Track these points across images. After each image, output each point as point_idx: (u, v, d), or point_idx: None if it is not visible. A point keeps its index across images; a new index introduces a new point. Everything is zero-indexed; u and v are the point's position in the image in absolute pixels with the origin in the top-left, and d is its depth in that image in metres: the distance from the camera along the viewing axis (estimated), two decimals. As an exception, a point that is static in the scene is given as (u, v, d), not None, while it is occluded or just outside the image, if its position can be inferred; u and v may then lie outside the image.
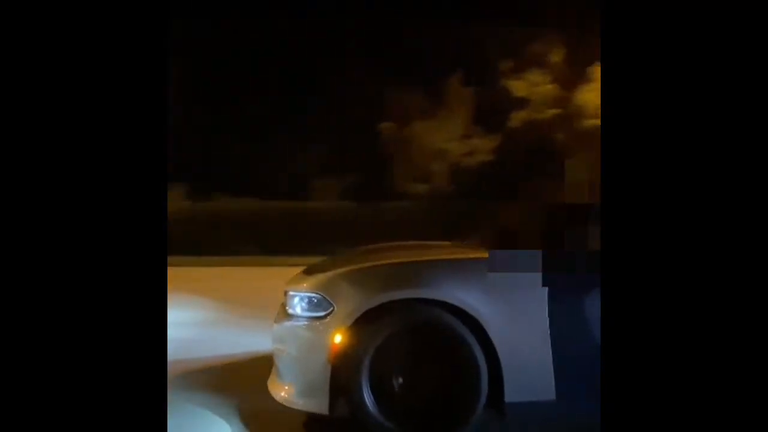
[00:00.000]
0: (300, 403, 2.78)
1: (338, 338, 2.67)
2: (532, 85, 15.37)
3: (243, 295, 7.13)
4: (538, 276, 2.65)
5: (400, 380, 2.70)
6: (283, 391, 2.87)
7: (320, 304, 2.77)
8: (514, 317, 2.65)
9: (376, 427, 2.63)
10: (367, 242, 3.90)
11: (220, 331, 5.28)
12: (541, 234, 3.04)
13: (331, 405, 2.68)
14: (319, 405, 2.69)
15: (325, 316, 2.75)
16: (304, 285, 2.90)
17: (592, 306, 2.61)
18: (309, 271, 3.11)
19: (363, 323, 2.67)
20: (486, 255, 2.77)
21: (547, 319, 2.65)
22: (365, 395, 2.64)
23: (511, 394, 2.62)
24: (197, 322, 5.69)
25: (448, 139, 15.84)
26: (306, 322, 2.81)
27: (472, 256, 2.91)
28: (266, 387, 3.02)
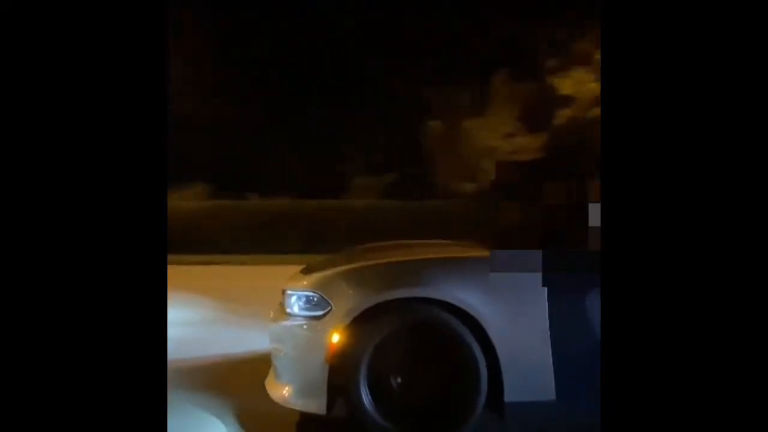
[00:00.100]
0: (297, 403, 2.76)
1: (336, 338, 2.65)
2: (578, 83, 15.27)
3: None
4: (537, 276, 2.63)
5: (399, 380, 2.68)
6: (280, 391, 2.85)
7: (318, 303, 2.76)
8: (513, 317, 2.64)
9: (374, 428, 2.62)
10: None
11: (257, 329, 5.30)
12: (542, 234, 3.02)
13: (329, 405, 2.67)
14: (317, 405, 2.67)
15: (322, 316, 2.73)
16: (302, 284, 2.88)
17: (592, 306, 2.60)
18: (307, 270, 3.10)
19: (361, 323, 2.65)
20: (484, 254, 2.75)
21: (547, 319, 2.63)
22: (363, 395, 2.62)
23: (510, 394, 2.60)
24: (242, 317, 5.76)
25: (494, 137, 15.71)
26: (303, 322, 2.79)
27: (471, 255, 2.90)
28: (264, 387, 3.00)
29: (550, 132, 15.29)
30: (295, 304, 2.84)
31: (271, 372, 3.05)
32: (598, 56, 15.14)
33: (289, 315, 2.86)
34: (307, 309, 2.79)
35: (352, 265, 2.89)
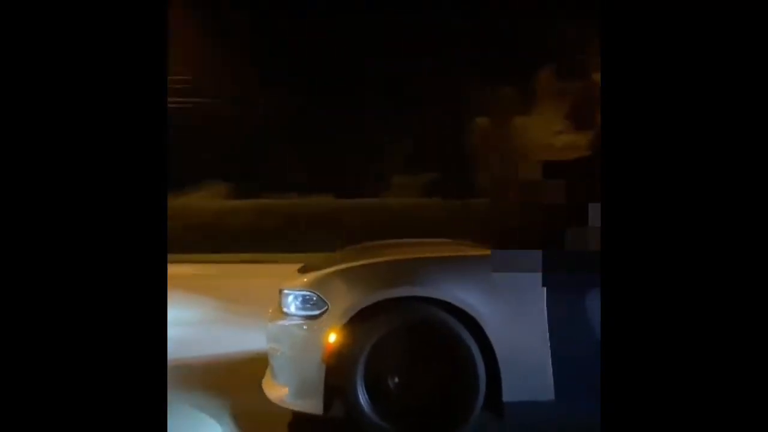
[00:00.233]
0: (294, 404, 2.74)
1: (332, 337, 2.63)
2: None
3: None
4: (536, 275, 2.61)
5: (396, 380, 2.66)
6: (277, 391, 2.83)
7: (314, 303, 2.74)
8: (512, 316, 2.62)
9: (372, 428, 2.60)
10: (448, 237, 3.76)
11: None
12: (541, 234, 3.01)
13: (326, 405, 2.65)
14: (313, 405, 2.65)
15: (319, 315, 2.71)
16: (298, 283, 2.86)
17: (592, 306, 2.58)
18: (304, 270, 3.07)
19: (358, 322, 2.63)
20: (483, 252, 2.73)
21: (546, 319, 2.61)
22: (360, 395, 2.60)
23: (508, 394, 2.58)
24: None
25: (541, 134, 15.58)
26: (300, 321, 2.77)
27: (469, 253, 2.88)
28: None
29: (596, 130, 15.20)
30: (291, 303, 2.82)
31: (267, 372, 3.03)
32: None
33: (286, 314, 2.84)
34: (303, 308, 2.77)
35: (349, 264, 2.87)
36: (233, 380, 3.73)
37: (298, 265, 3.24)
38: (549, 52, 15.29)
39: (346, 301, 2.67)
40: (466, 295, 2.61)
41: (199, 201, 14.84)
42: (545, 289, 2.61)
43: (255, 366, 3.24)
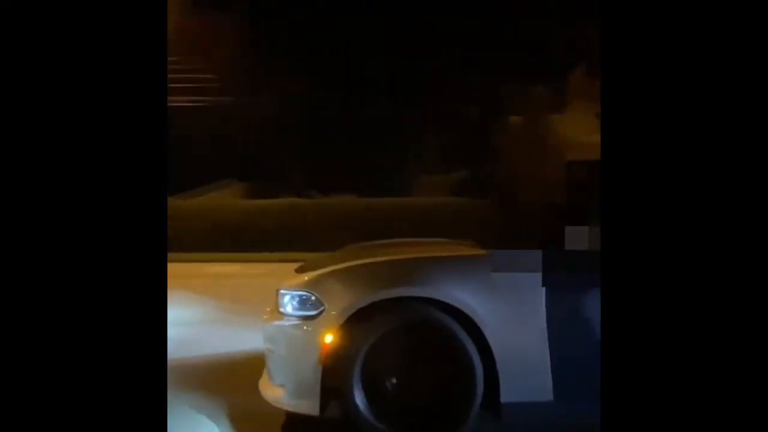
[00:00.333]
0: (290, 404, 2.74)
1: (329, 338, 2.62)
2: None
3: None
4: (535, 275, 2.60)
5: (393, 381, 2.66)
6: (273, 391, 2.83)
7: (311, 303, 2.72)
8: (510, 316, 2.61)
9: (368, 429, 2.59)
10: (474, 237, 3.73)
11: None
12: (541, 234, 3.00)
13: (322, 406, 2.63)
14: (310, 406, 2.63)
15: (316, 316, 2.69)
16: (295, 283, 2.84)
17: (591, 306, 2.56)
18: (301, 270, 3.06)
19: (355, 322, 2.62)
20: (481, 252, 2.73)
21: (545, 319, 2.60)
22: (357, 396, 2.59)
23: (506, 395, 2.57)
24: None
25: (573, 132, 15.48)
26: (296, 322, 2.76)
27: (467, 253, 2.87)
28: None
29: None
30: (288, 303, 2.81)
31: (264, 372, 3.02)
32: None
33: (283, 315, 2.83)
34: (300, 309, 2.76)
35: (346, 264, 2.86)
36: (233, 380, 3.71)
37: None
38: (581, 52, 15.24)
39: (343, 301, 2.65)
40: (465, 295, 2.60)
41: (220, 200, 14.77)
42: (545, 289, 2.60)
43: (255, 366, 3.22)
